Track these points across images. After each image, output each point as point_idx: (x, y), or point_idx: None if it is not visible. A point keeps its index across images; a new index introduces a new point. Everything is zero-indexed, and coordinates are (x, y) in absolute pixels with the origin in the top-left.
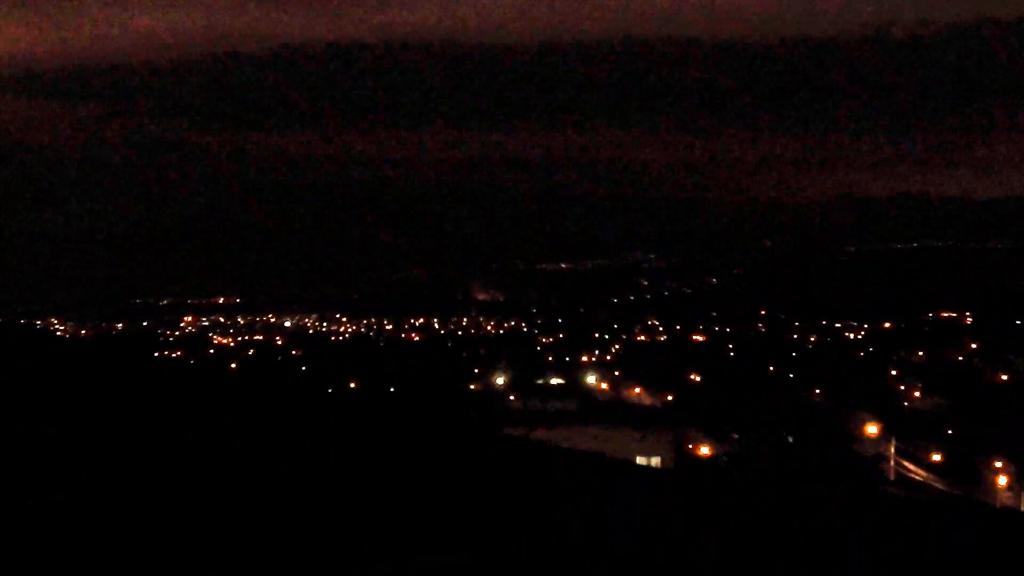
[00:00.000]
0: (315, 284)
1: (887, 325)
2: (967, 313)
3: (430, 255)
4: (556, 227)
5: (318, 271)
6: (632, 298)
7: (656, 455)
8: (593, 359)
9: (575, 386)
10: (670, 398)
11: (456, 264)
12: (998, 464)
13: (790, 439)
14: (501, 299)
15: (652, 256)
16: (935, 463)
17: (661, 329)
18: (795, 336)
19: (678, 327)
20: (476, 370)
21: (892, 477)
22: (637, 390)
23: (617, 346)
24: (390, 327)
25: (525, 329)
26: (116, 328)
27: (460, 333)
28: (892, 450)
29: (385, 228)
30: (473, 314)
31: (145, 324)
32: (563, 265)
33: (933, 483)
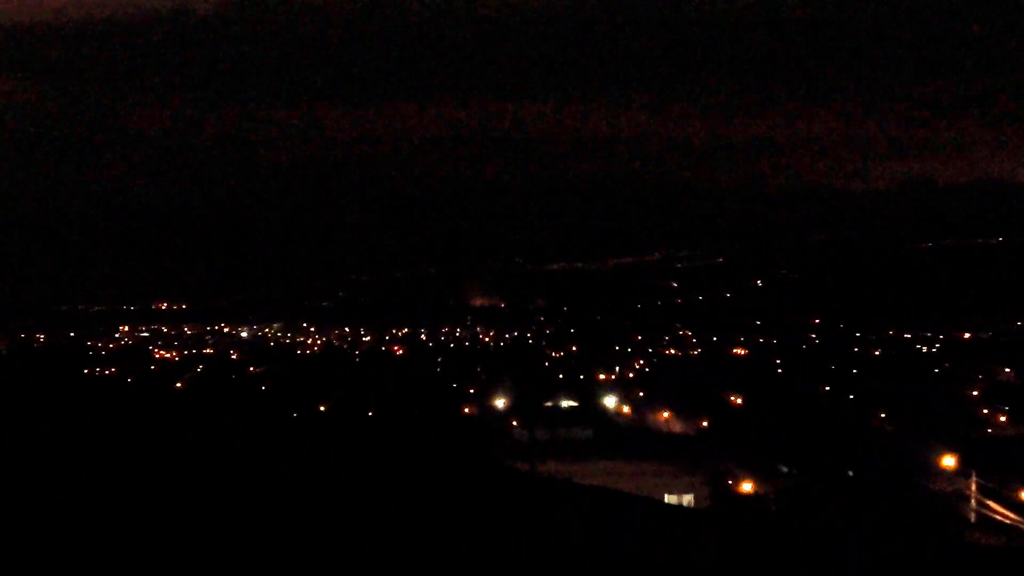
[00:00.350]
0: (278, 287)
1: (966, 336)
2: None
3: (416, 252)
4: (568, 219)
5: (281, 272)
6: (659, 303)
7: (689, 493)
8: (612, 377)
9: (591, 410)
10: (705, 424)
11: (447, 263)
12: None
13: (850, 474)
14: (502, 305)
15: (684, 253)
16: None
17: (694, 340)
18: (855, 349)
19: (715, 338)
20: (471, 390)
21: (973, 520)
22: (665, 414)
23: (641, 361)
24: (368, 338)
25: (530, 341)
26: (36, 340)
27: (452, 345)
28: (973, 487)
29: (361, 220)
30: (468, 323)
31: (72, 335)
32: (577, 264)
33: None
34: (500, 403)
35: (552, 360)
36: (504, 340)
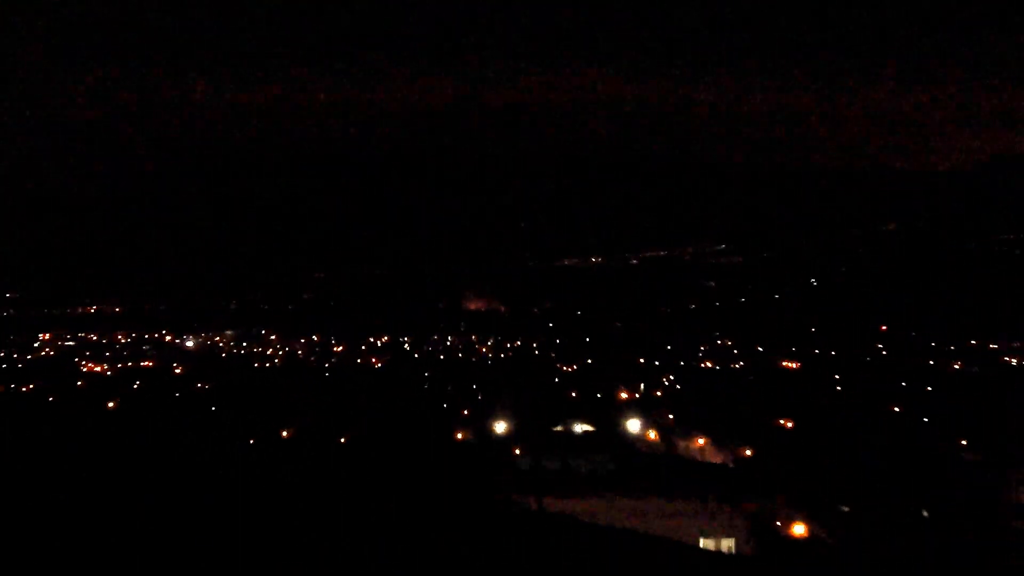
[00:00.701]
0: (230, 287)
1: None
2: None
3: (398, 245)
4: (581, 205)
5: (234, 269)
6: (694, 307)
7: (729, 537)
8: (636, 396)
9: (610, 435)
10: (748, 453)
11: (436, 258)
12: None
13: (924, 513)
14: (503, 309)
15: (723, 247)
16: None
17: (736, 351)
18: (931, 362)
19: (760, 348)
20: (465, 412)
21: None
22: (701, 441)
23: (671, 377)
24: (340, 348)
25: (537, 352)
26: None
27: (443, 358)
28: None
29: (332, 205)
30: (462, 330)
31: None
32: (592, 260)
33: None
34: (500, 427)
35: (563, 375)
36: (505, 351)
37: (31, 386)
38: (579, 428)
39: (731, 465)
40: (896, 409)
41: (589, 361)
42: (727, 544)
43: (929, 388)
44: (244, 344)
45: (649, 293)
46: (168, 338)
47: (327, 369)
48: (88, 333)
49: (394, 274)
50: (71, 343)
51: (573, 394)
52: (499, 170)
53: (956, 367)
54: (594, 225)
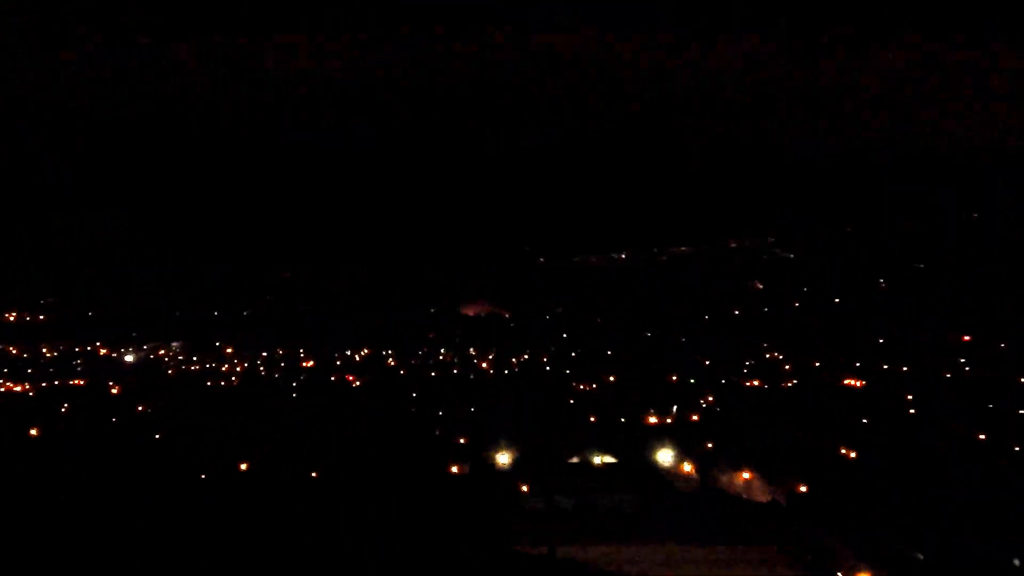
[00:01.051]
0: (178, 290)
1: None
2: None
3: (383, 238)
4: (600, 192)
5: (183, 268)
6: (737, 313)
7: None
8: (667, 421)
9: (636, 468)
10: (803, 489)
11: (428, 254)
12: None
13: (1016, 563)
14: (506, 315)
15: (771, 241)
16: None
17: (787, 367)
18: (1022, 380)
19: (816, 362)
20: (461, 440)
21: None
22: (746, 475)
23: (710, 397)
24: (311, 363)
25: (548, 367)
26: None
27: (435, 374)
28: None
29: (302, 188)
30: (458, 340)
31: None
32: (613, 257)
33: None
34: (504, 459)
35: (579, 395)
36: (510, 366)
37: None
38: (598, 460)
39: (782, 504)
40: (981, 436)
41: (611, 378)
42: None
43: (1021, 411)
44: (194, 358)
45: (683, 296)
46: (103, 351)
47: (294, 389)
48: (6, 345)
49: (376, 272)
50: None
51: (591, 418)
52: (503, 144)
53: None
54: (614, 217)
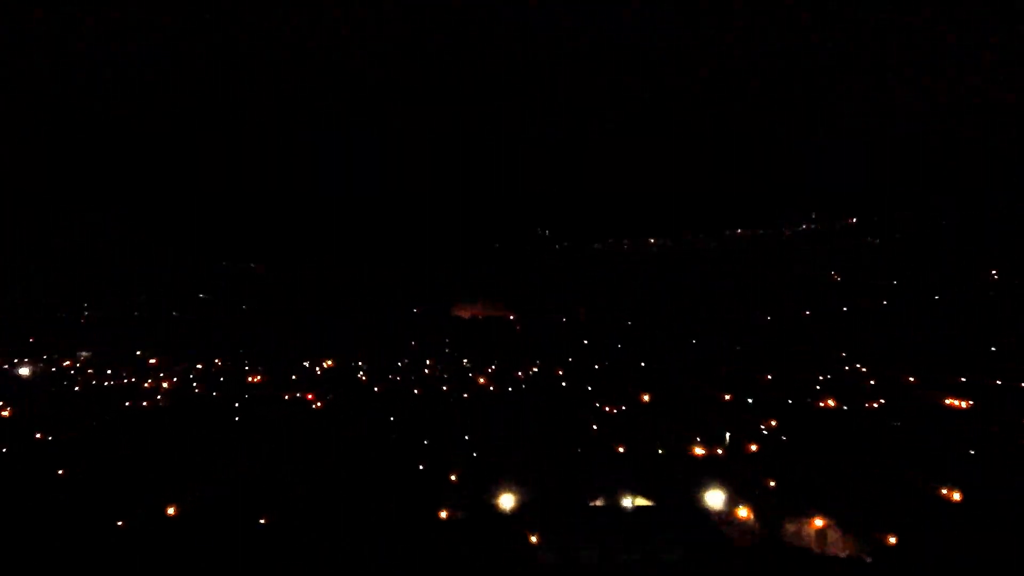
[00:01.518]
0: (87, 286)
1: None
2: None
3: (355, 219)
4: (635, 157)
5: (93, 258)
6: (808, 313)
7: None
8: (718, 451)
9: (678, 513)
10: (893, 541)
11: (412, 241)
12: None
13: None
14: (511, 317)
15: (854, 222)
16: None
17: (872, 382)
18: None
19: (911, 377)
20: (452, 476)
21: None
22: (819, 523)
23: (772, 421)
24: (258, 378)
25: (564, 384)
26: None
27: (418, 392)
28: None
29: (250, 158)
30: (447, 350)
31: None
32: (649, 241)
33: None
34: (507, 501)
35: (604, 419)
36: (514, 381)
37: None
38: (629, 502)
39: (867, 560)
40: None
41: (644, 397)
42: None
43: None
44: (108, 372)
45: (736, 292)
46: None
47: (237, 411)
48: None
49: (345, 263)
50: None
51: (620, 448)
52: (509, 111)
53: None
54: (652, 187)
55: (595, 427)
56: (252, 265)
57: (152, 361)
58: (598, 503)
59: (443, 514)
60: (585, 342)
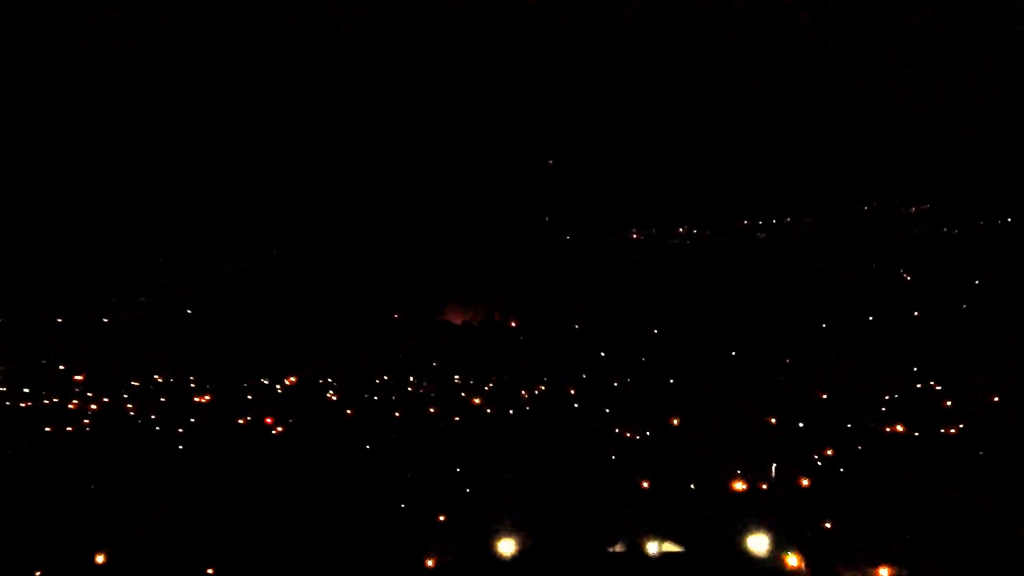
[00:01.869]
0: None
1: None
2: None
3: (325, 212)
4: (657, 139)
5: (11, 253)
6: (871, 319)
7: None
8: (761, 486)
9: (714, 560)
10: None
11: (398, 234)
12: None
13: None
14: (514, 324)
15: (925, 209)
16: None
17: (948, 403)
18: None
19: (994, 396)
20: (441, 518)
21: None
22: (884, 573)
23: (828, 451)
24: (206, 397)
25: (577, 403)
26: None
27: (399, 414)
28: None
29: (206, 140)
30: (435, 364)
31: None
32: (677, 232)
33: None
34: (507, 547)
35: (624, 445)
36: (516, 401)
37: None
38: (655, 547)
39: None
40: None
41: (673, 421)
42: None
43: None
44: (24, 390)
45: (784, 294)
46: None
47: (179, 437)
48: None
49: (312, 259)
50: None
51: (644, 484)
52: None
53: None
54: (679, 171)
55: (613, 456)
56: (200, 263)
57: (77, 377)
58: (618, 549)
59: (430, 562)
60: (601, 354)
